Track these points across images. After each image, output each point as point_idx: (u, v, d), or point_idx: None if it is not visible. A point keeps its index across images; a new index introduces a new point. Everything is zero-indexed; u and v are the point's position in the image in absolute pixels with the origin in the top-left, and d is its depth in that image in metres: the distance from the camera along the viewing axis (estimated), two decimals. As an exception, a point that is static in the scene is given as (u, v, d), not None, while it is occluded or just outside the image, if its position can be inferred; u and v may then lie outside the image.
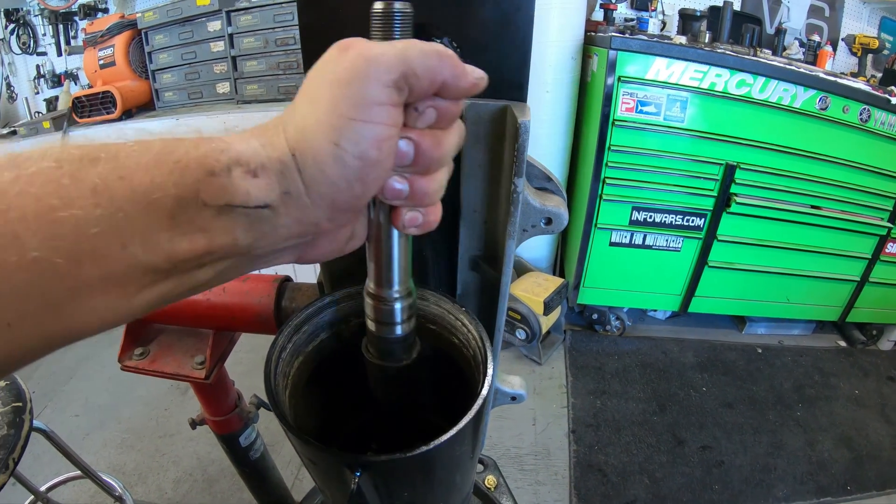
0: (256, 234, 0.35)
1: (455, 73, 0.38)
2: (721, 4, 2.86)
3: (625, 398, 2.63)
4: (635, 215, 2.68)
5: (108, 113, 3.28)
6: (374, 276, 0.51)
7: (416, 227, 0.44)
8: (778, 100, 2.42)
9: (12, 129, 4.22)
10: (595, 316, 3.08)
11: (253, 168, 0.34)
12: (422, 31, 0.66)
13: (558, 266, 3.22)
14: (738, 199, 2.57)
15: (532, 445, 2.41)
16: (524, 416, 2.54)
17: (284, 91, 2.98)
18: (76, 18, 4.19)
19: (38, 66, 4.64)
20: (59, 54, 4.40)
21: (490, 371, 0.62)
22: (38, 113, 4.54)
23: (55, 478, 2.07)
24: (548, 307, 2.57)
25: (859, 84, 2.51)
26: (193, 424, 1.39)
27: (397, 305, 0.53)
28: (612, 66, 2.38)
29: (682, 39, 2.51)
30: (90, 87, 3.59)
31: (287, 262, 0.43)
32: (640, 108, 2.44)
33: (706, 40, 2.66)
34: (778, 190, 2.60)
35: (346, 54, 0.35)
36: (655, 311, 3.22)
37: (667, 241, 2.75)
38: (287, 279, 0.97)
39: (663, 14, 3.06)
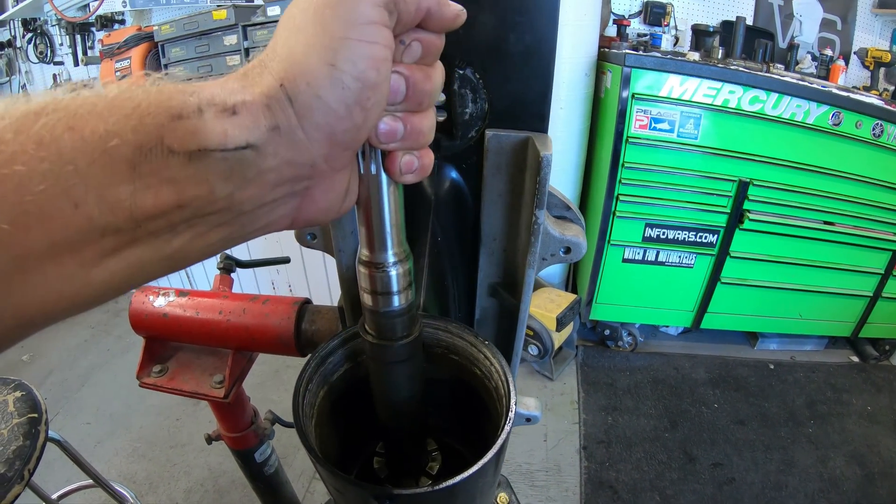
0: (238, 182, 0.31)
1: (439, 0, 0.37)
2: (733, 19, 2.88)
3: (636, 414, 2.62)
4: (648, 232, 2.68)
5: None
6: (366, 241, 0.49)
7: (413, 174, 0.42)
8: (791, 116, 2.42)
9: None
10: (607, 332, 3.08)
11: (231, 105, 0.30)
12: (445, 61, 0.68)
13: (571, 282, 3.22)
14: (752, 216, 2.57)
15: (543, 461, 2.41)
16: (536, 431, 2.54)
17: (300, 106, 2.97)
18: (93, 29, 4.24)
19: (54, 76, 4.71)
20: (76, 64, 4.44)
21: (513, 407, 0.62)
22: (55, 122, 4.59)
23: (65, 485, 2.09)
24: (560, 323, 2.56)
25: (872, 99, 2.51)
26: (209, 440, 1.40)
27: (393, 271, 0.51)
28: (625, 83, 2.38)
29: (696, 56, 2.52)
30: (106, 97, 3.63)
31: (281, 225, 0.38)
32: (653, 124, 2.44)
33: (719, 56, 2.67)
34: (791, 206, 2.59)
35: None
36: (667, 326, 3.20)
37: (680, 257, 2.75)
38: (307, 301, 0.98)
39: (676, 29, 3.07)
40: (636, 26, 3.09)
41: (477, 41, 0.66)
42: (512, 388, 0.64)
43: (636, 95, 2.40)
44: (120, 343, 3.53)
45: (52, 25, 4.52)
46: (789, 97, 2.39)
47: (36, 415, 1.45)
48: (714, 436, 2.50)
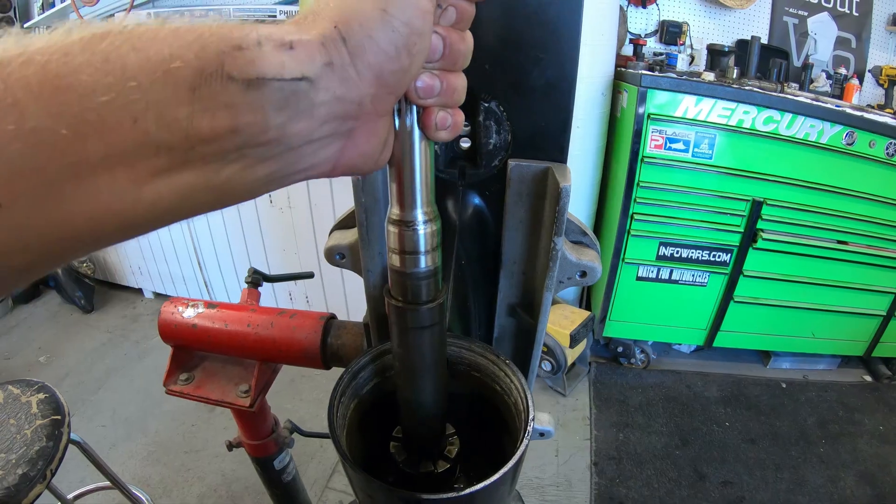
0: (290, 114, 0.32)
1: None
2: (749, 38, 2.90)
3: (648, 431, 2.62)
4: (662, 250, 2.70)
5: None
6: (397, 198, 0.50)
7: (446, 130, 0.44)
8: (805, 136, 2.43)
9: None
10: (620, 349, 3.09)
11: (288, 41, 0.32)
12: (471, 95, 0.71)
13: (585, 299, 3.24)
14: (765, 235, 2.58)
15: (554, 476, 2.42)
16: (547, 446, 2.54)
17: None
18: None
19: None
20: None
21: (532, 421, 0.66)
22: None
23: (78, 486, 2.12)
24: (574, 340, 2.59)
25: (886, 118, 2.51)
26: (230, 447, 1.44)
27: (422, 230, 0.52)
28: (641, 104, 2.41)
29: (711, 76, 2.54)
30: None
31: (324, 168, 0.39)
32: (668, 144, 2.47)
33: (734, 76, 2.69)
34: (804, 225, 2.60)
35: None
36: (680, 344, 3.21)
37: (693, 276, 2.76)
38: (332, 316, 1.02)
39: (692, 48, 3.09)
40: (652, 45, 3.12)
41: (501, 76, 0.70)
42: (531, 403, 0.68)
43: (652, 115, 2.43)
44: (137, 348, 3.57)
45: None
46: (803, 117, 2.40)
47: (59, 417, 1.49)
48: (724, 454, 2.50)
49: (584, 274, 0.77)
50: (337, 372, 1.00)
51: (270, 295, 3.50)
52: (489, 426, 0.80)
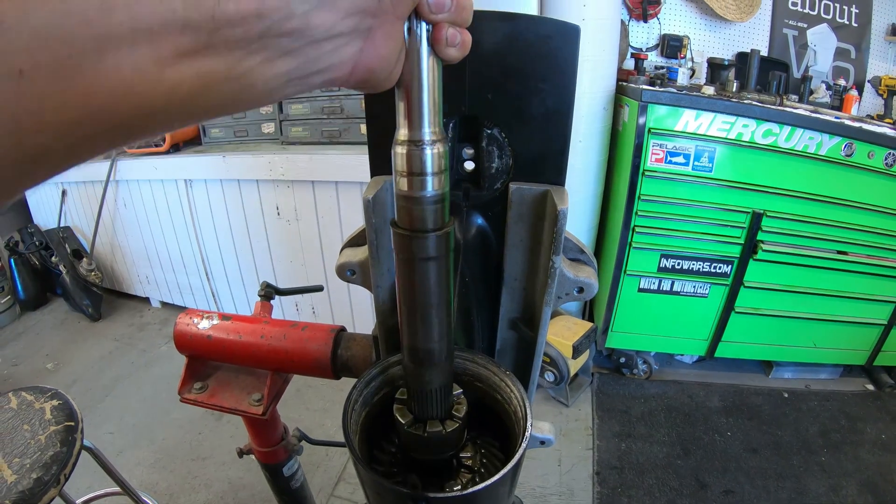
0: (314, 2, 0.32)
1: None
2: (748, 51, 2.94)
3: (650, 441, 2.64)
4: (664, 262, 2.73)
5: (156, 146, 3.43)
6: (406, 118, 0.50)
7: (455, 48, 0.45)
8: (804, 148, 2.46)
9: (60, 152, 4.39)
10: (623, 359, 3.11)
11: None
12: (474, 122, 0.76)
13: (588, 310, 3.26)
14: (765, 247, 2.61)
15: (557, 486, 2.43)
16: (550, 456, 2.57)
17: (328, 135, 3.07)
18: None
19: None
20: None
21: (529, 427, 0.70)
22: (86, 139, 4.70)
23: (86, 491, 2.14)
24: (576, 351, 2.62)
25: (884, 129, 2.54)
26: (241, 453, 1.47)
27: (429, 150, 0.51)
28: (642, 118, 2.45)
29: (711, 90, 2.58)
30: (139, 119, 3.74)
31: (343, 71, 0.39)
32: (669, 158, 2.50)
33: (734, 89, 2.73)
34: (804, 236, 2.63)
35: None
36: (682, 355, 3.23)
37: (694, 287, 2.79)
38: (343, 329, 1.05)
39: (692, 61, 3.13)
40: (654, 59, 3.16)
41: (503, 105, 0.74)
42: (529, 410, 0.72)
43: (652, 130, 2.47)
44: (144, 356, 3.61)
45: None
46: (802, 130, 2.43)
47: (72, 423, 1.53)
48: (726, 463, 2.52)
49: (581, 290, 0.80)
50: (345, 382, 1.04)
51: (277, 306, 3.54)
52: (492, 434, 0.83)
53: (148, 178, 3.57)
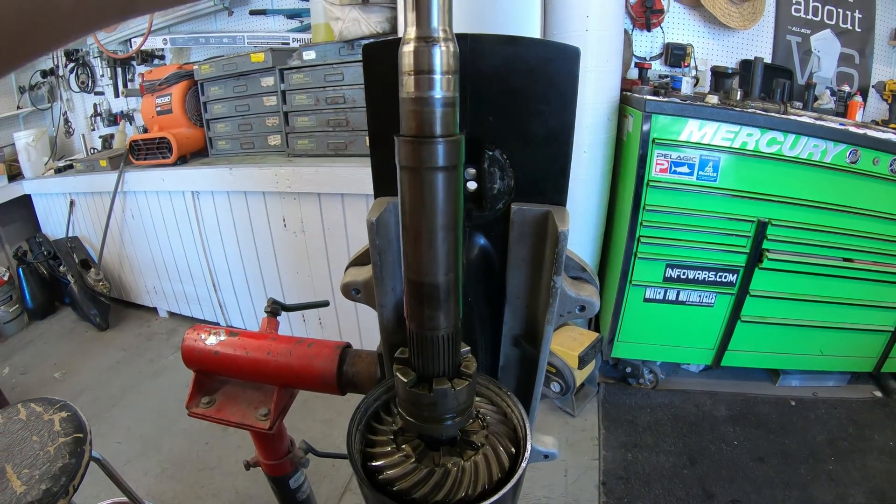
0: None
1: None
2: (752, 58, 2.94)
3: (656, 451, 2.63)
4: (669, 272, 2.72)
5: (163, 158, 3.46)
6: (415, 16, 0.49)
7: None
8: (808, 156, 2.46)
9: (69, 161, 4.45)
10: (629, 369, 3.10)
11: None
12: (476, 143, 0.77)
13: (593, 320, 3.25)
14: (770, 255, 2.60)
15: (562, 496, 2.43)
16: (556, 466, 2.56)
17: (334, 147, 3.09)
18: (134, 62, 4.40)
19: (95, 105, 4.88)
20: (117, 95, 4.60)
21: (529, 447, 0.71)
22: (94, 149, 4.76)
23: (93, 501, 2.15)
24: (582, 361, 2.61)
25: (889, 134, 2.52)
26: (248, 466, 1.48)
27: (437, 49, 0.49)
28: (646, 130, 2.46)
29: (715, 99, 2.58)
30: (146, 130, 3.78)
31: None
32: (673, 168, 2.50)
33: (738, 97, 2.73)
34: (810, 244, 2.62)
35: None
36: (689, 364, 3.22)
37: (700, 296, 2.78)
38: (348, 346, 1.06)
39: (696, 69, 3.14)
40: (657, 68, 3.17)
41: (504, 127, 0.75)
42: (528, 431, 0.73)
43: (656, 140, 2.47)
44: (151, 366, 3.63)
45: (94, 57, 4.71)
46: (806, 137, 2.43)
47: (81, 435, 1.54)
48: (733, 473, 2.51)
49: (583, 308, 0.81)
50: (351, 395, 1.05)
51: (284, 317, 3.55)
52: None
53: (155, 189, 3.61)
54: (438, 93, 0.51)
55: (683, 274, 2.72)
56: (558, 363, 2.63)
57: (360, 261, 0.88)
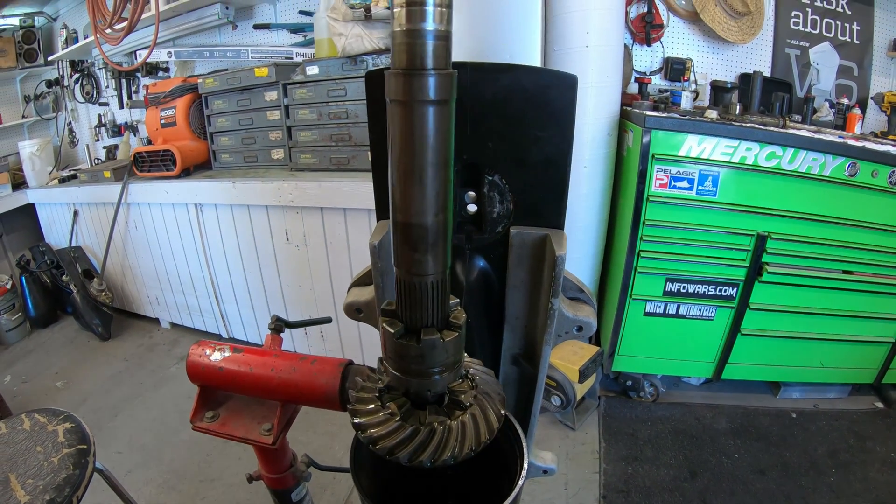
0: None
1: None
2: (751, 71, 2.96)
3: (656, 464, 2.63)
4: (669, 286, 2.73)
5: (167, 170, 3.48)
6: None
7: None
8: (807, 169, 2.47)
9: (73, 171, 4.48)
10: (629, 382, 3.10)
11: None
12: (476, 169, 0.79)
13: (594, 334, 3.26)
14: (770, 269, 2.61)
15: (563, 509, 2.44)
16: (556, 480, 2.56)
17: (336, 162, 3.11)
18: (138, 74, 4.45)
19: (99, 116, 4.93)
20: (121, 107, 4.65)
21: (526, 466, 0.72)
22: (98, 160, 4.80)
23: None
24: (583, 375, 2.62)
25: (887, 146, 2.53)
26: (250, 479, 1.50)
27: None
28: (645, 145, 2.47)
29: (714, 113, 2.60)
30: (150, 142, 3.81)
31: None
32: (673, 183, 2.52)
33: (737, 111, 2.74)
34: (809, 257, 2.63)
35: None
36: (689, 377, 3.22)
37: (700, 310, 2.79)
38: (350, 363, 1.08)
39: (696, 83, 3.16)
40: (657, 82, 3.19)
41: (504, 152, 0.78)
42: (526, 450, 0.74)
43: (656, 156, 2.48)
44: (153, 377, 3.64)
45: (99, 68, 4.76)
46: (805, 151, 2.44)
47: (85, 446, 1.56)
48: (733, 486, 2.51)
49: (580, 328, 0.83)
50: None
51: (286, 332, 3.56)
52: (492, 468, 0.85)
53: (159, 201, 3.63)
54: (431, 25, 0.49)
55: (683, 288, 2.73)
56: (559, 377, 2.64)
57: (362, 281, 0.90)
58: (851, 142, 2.50)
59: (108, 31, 3.38)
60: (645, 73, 3.17)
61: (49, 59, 4.78)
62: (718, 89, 2.99)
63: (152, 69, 4.26)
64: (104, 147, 4.87)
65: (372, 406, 0.68)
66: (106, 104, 4.87)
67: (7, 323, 4.26)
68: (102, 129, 4.93)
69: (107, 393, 3.50)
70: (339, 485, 2.57)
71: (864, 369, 2.95)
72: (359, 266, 3.00)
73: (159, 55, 3.87)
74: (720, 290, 2.72)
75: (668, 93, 3.02)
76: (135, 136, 4.73)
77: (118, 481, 1.80)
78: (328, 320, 1.59)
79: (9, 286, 4.28)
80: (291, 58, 3.38)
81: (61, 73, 4.97)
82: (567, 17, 2.48)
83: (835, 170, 2.48)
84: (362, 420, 0.66)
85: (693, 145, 2.46)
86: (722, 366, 2.91)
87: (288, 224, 3.16)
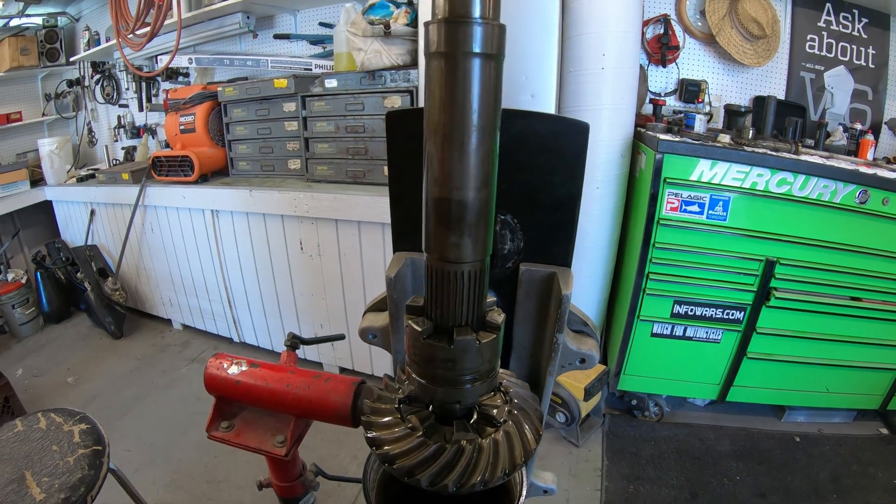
0: None
1: None
2: (766, 94, 2.97)
3: (658, 484, 2.64)
4: (677, 308, 2.75)
5: (185, 175, 3.54)
6: None
7: None
8: (818, 196, 2.49)
9: (91, 171, 4.55)
10: (634, 401, 3.11)
11: None
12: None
13: (601, 353, 3.27)
14: (778, 294, 2.63)
15: (563, 526, 2.46)
16: (558, 496, 2.57)
17: (352, 175, 3.14)
18: (158, 78, 4.51)
19: (119, 117, 4.99)
20: (141, 109, 4.70)
21: (525, 489, 0.76)
22: (116, 160, 4.86)
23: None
24: (588, 393, 2.64)
25: (899, 174, 2.54)
26: (260, 486, 1.54)
27: None
28: (657, 168, 2.50)
29: (727, 138, 2.62)
30: (168, 146, 3.86)
31: None
32: (684, 207, 2.54)
33: (750, 136, 2.76)
34: (817, 283, 2.64)
35: None
36: (694, 398, 3.23)
37: (707, 333, 2.80)
38: (363, 381, 1.12)
39: (710, 105, 3.18)
40: (672, 103, 3.21)
41: (516, 194, 0.81)
42: (525, 478, 0.78)
43: (668, 179, 2.51)
44: (164, 377, 3.68)
45: (120, 70, 4.83)
46: (816, 178, 2.46)
47: (100, 447, 1.60)
48: (734, 508, 2.52)
49: (583, 360, 0.86)
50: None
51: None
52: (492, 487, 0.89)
53: (176, 205, 3.69)
54: None
55: (691, 310, 2.75)
56: (564, 394, 2.66)
57: (377, 307, 0.94)
58: (863, 169, 2.51)
59: (131, 36, 3.43)
60: (660, 95, 3.19)
61: (71, 59, 4.85)
62: (732, 113, 3.00)
63: (172, 74, 4.32)
64: (122, 148, 4.93)
65: (390, 419, 0.61)
66: (126, 106, 4.94)
67: (21, 317, 4.33)
68: (121, 130, 5.00)
69: (117, 391, 3.55)
70: (343, 492, 2.60)
71: (870, 395, 2.95)
72: (371, 278, 3.05)
73: (180, 61, 3.92)
74: (727, 314, 2.73)
75: (683, 114, 3.04)
76: (153, 138, 4.79)
77: (131, 483, 1.83)
78: (342, 337, 1.63)
79: (24, 281, 4.36)
80: (310, 69, 3.42)
81: (82, 73, 5.04)
82: (583, 39, 2.51)
83: (845, 197, 2.49)
84: (378, 434, 0.59)
85: (705, 170, 2.48)
86: (727, 388, 2.92)
87: (303, 234, 3.20)
